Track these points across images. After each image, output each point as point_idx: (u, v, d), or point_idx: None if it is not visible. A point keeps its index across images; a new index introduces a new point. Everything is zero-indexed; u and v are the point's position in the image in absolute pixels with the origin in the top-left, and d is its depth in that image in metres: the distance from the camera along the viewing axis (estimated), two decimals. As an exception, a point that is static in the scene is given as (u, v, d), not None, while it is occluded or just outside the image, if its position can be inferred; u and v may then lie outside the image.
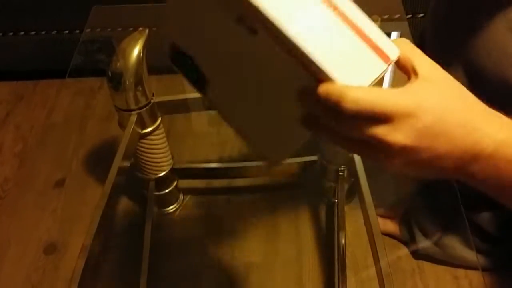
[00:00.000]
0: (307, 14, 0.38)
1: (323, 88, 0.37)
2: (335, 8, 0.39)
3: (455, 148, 0.38)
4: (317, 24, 0.38)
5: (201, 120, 1.21)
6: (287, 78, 0.40)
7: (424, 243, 0.94)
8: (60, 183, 1.12)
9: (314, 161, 0.95)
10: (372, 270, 0.63)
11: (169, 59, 0.53)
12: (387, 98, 0.37)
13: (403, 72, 0.41)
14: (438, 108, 0.37)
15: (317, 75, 0.37)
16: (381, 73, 0.39)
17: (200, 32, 0.47)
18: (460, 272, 0.95)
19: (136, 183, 0.95)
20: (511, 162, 0.38)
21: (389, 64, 0.39)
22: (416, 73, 0.39)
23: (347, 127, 0.38)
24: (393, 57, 0.40)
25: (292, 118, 0.42)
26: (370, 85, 0.38)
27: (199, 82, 0.50)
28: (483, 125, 0.38)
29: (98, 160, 1.14)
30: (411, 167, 0.39)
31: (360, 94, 0.36)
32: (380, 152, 0.38)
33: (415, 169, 0.40)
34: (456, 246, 0.91)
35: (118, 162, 0.72)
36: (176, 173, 0.96)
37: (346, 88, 0.36)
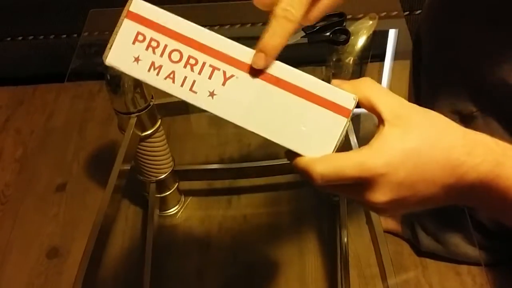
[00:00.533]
0: (258, 101, 0.39)
1: (294, 162, 0.40)
2: (277, 81, 0.39)
3: (439, 189, 0.37)
4: (268, 105, 0.39)
5: (201, 121, 1.21)
6: None
7: (426, 240, 0.94)
8: (61, 188, 1.12)
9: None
10: (375, 268, 0.63)
11: None
12: (354, 165, 0.37)
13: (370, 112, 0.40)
14: (409, 159, 0.36)
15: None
16: (343, 129, 0.39)
17: None
18: (463, 268, 0.95)
19: (137, 186, 0.95)
20: (500, 191, 0.36)
21: (349, 116, 0.39)
22: (381, 119, 0.38)
23: (328, 190, 0.40)
24: (350, 106, 0.39)
25: None
26: (335, 147, 0.39)
27: None
28: (464, 159, 0.37)
29: (99, 164, 1.14)
30: (403, 210, 0.41)
31: (324, 169, 0.37)
32: (367, 206, 0.39)
33: (408, 210, 0.40)
34: (458, 242, 0.91)
35: (119, 165, 0.72)
36: (177, 175, 0.96)
37: (312, 163, 0.38)
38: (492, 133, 0.62)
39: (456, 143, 0.37)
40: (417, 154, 0.37)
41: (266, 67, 0.39)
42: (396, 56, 1.08)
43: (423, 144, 0.37)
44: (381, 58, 1.07)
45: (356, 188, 0.38)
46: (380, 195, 0.37)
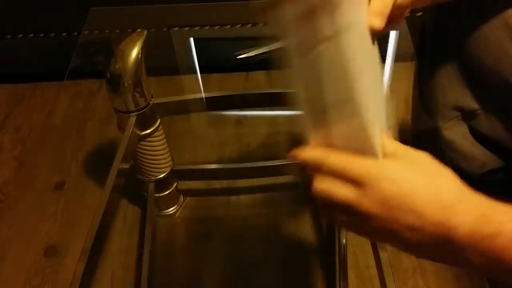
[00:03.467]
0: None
1: (304, 152, 0.44)
2: None
3: (426, 224, 0.37)
4: None
5: (201, 121, 1.21)
6: None
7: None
8: (59, 186, 1.12)
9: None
10: (373, 270, 0.63)
11: None
12: (361, 163, 0.40)
13: None
14: (403, 180, 0.38)
15: None
16: None
17: None
18: (462, 271, 0.95)
19: (136, 185, 0.95)
20: (490, 251, 0.36)
21: None
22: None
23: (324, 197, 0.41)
24: None
25: None
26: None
27: None
28: (456, 205, 0.37)
29: (98, 162, 1.14)
30: (384, 236, 0.40)
31: (337, 160, 0.41)
32: (350, 216, 0.40)
33: (390, 240, 0.41)
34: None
35: (118, 164, 0.72)
36: (176, 174, 0.96)
37: (327, 153, 0.42)
38: (494, 131, 0.62)
39: (451, 188, 0.39)
40: (410, 180, 0.38)
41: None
42: (397, 58, 1.08)
43: (419, 176, 0.39)
44: (382, 60, 1.07)
45: (351, 189, 0.39)
46: (367, 202, 0.38)
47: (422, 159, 0.40)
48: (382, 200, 0.38)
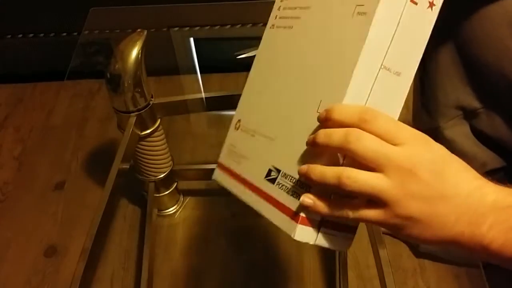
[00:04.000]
0: None
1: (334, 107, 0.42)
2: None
3: (462, 194, 0.38)
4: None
5: (201, 121, 1.21)
6: None
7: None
8: (59, 186, 1.12)
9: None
10: (373, 269, 0.63)
11: None
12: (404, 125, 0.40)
13: None
14: (445, 151, 0.39)
15: None
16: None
17: None
18: (462, 270, 0.95)
19: (135, 185, 0.95)
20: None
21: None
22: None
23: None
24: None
25: None
26: None
27: None
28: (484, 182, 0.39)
29: (98, 162, 1.14)
30: (415, 204, 0.38)
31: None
32: (396, 177, 0.39)
33: (418, 210, 0.39)
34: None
35: (118, 164, 0.72)
36: (176, 174, 0.96)
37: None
38: (496, 130, 0.62)
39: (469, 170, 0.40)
40: (451, 157, 0.40)
41: None
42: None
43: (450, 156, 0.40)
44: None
45: (401, 153, 0.38)
46: (417, 162, 0.38)
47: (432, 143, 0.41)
48: (430, 161, 0.38)
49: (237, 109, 0.54)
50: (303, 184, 0.43)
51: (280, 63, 0.50)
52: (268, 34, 0.53)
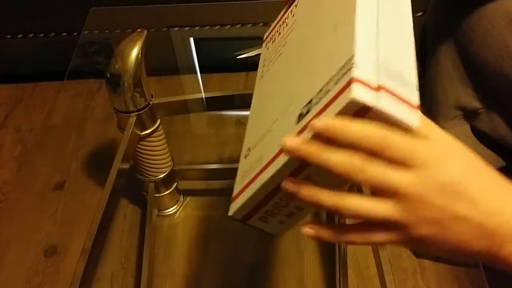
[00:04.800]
0: None
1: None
2: None
3: (480, 213, 0.36)
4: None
5: (201, 121, 1.21)
6: None
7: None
8: (59, 186, 1.12)
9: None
10: (373, 270, 0.63)
11: None
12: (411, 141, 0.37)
13: None
14: (461, 166, 0.37)
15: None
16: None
17: None
18: (461, 270, 0.95)
19: (135, 185, 0.95)
20: None
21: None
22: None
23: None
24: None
25: None
26: None
27: None
28: (507, 193, 0.37)
29: (98, 162, 1.14)
30: (426, 229, 0.36)
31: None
32: (399, 203, 0.35)
33: (431, 234, 0.36)
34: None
35: (118, 164, 0.72)
36: (176, 174, 0.96)
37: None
38: (496, 130, 0.61)
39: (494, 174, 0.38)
40: (468, 171, 0.37)
41: None
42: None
43: (471, 166, 0.37)
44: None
45: (404, 179, 0.35)
46: (424, 187, 0.35)
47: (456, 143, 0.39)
48: (444, 184, 0.35)
49: (245, 138, 0.53)
50: None
51: (277, 81, 0.50)
52: (259, 84, 0.54)
